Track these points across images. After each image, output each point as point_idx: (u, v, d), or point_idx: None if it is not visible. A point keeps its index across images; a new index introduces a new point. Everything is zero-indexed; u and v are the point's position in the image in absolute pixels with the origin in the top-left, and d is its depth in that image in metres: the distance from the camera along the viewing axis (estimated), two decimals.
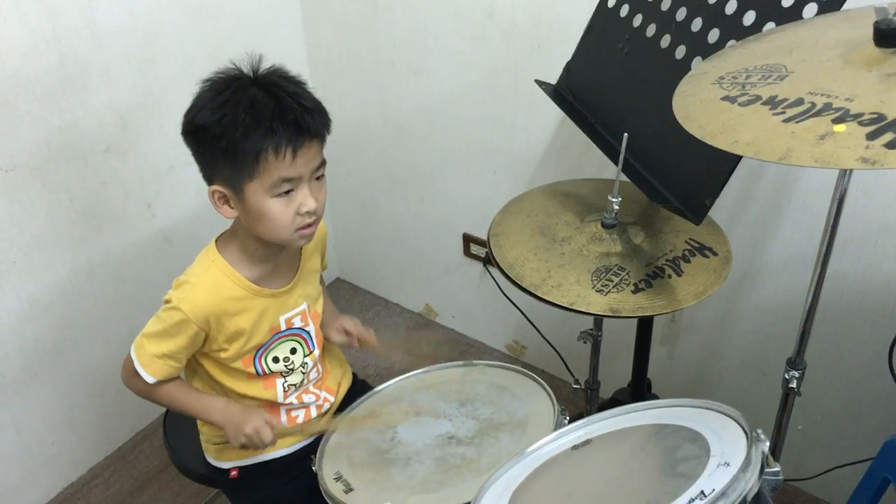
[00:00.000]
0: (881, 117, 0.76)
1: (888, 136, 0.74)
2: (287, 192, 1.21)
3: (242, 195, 1.21)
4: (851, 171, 1.05)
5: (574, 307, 1.25)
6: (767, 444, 0.95)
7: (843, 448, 1.79)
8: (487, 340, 2.44)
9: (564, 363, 2.12)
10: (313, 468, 1.32)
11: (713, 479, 0.90)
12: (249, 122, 1.16)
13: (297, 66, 1.27)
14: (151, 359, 1.28)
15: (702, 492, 0.88)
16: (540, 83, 1.64)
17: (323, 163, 1.26)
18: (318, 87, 1.29)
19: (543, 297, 1.28)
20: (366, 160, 2.39)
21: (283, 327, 1.38)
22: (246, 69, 1.22)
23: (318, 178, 1.26)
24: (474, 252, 2.29)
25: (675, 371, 2.02)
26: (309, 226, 1.26)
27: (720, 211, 1.69)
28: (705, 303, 1.87)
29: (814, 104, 0.82)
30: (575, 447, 1.12)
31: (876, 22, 0.87)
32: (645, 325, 1.64)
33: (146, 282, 2.05)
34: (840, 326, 1.67)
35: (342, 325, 1.50)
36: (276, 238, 1.25)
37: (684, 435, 1.02)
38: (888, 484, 1.52)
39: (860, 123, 0.76)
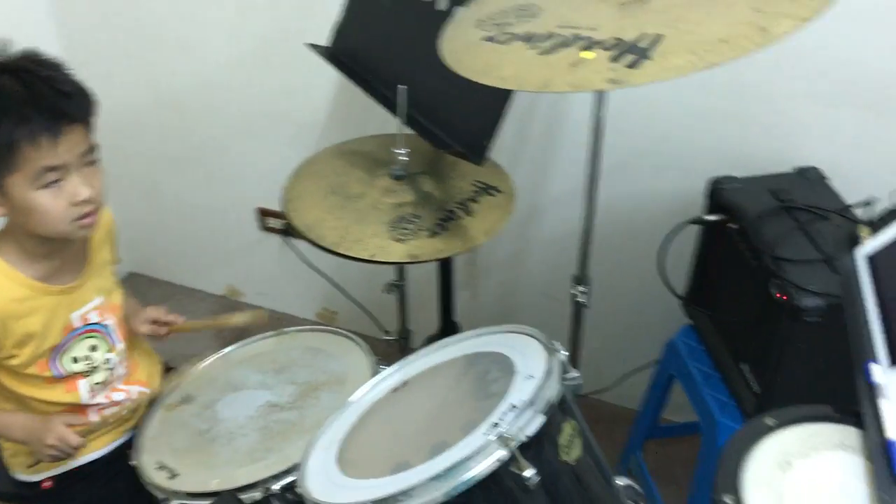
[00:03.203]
0: (620, 42, 0.85)
1: (629, 58, 0.82)
2: (55, 182, 1.15)
3: (4, 190, 1.14)
4: (604, 95, 1.16)
5: (375, 259, 1.29)
6: (565, 353, 1.04)
7: (635, 356, 1.96)
8: (297, 312, 2.44)
9: (375, 320, 2.17)
10: (131, 463, 1.27)
11: (521, 391, 0.98)
12: None
13: (47, 51, 1.19)
14: None
15: (512, 405, 0.95)
16: (312, 46, 1.65)
17: (92, 148, 1.20)
18: (78, 72, 1.23)
19: (345, 253, 1.31)
20: (143, 143, 2.27)
21: (78, 324, 1.31)
22: None
23: (89, 164, 1.20)
24: (271, 225, 2.26)
25: (480, 311, 2.12)
26: (88, 215, 1.20)
27: (500, 153, 1.77)
28: (499, 242, 2.00)
29: (564, 36, 0.90)
30: (394, 390, 1.17)
31: None
32: (446, 270, 1.71)
33: None
34: (619, 245, 1.82)
35: (148, 316, 1.45)
36: (54, 232, 1.19)
37: (492, 359, 1.10)
38: (673, 379, 1.71)
39: (604, 49, 0.85)
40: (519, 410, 0.92)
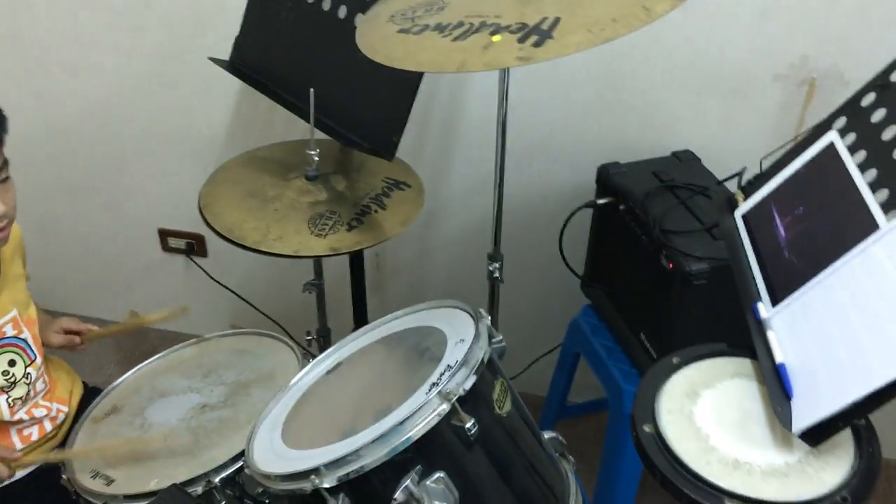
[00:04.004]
0: (524, 25, 0.96)
1: (533, 38, 0.93)
2: None
3: None
4: (506, 87, 1.26)
5: (299, 254, 1.35)
6: (489, 319, 1.12)
7: (539, 343, 2.07)
8: (204, 331, 2.40)
9: (286, 331, 2.19)
10: (64, 476, 1.26)
11: (454, 354, 1.05)
12: None
13: None
14: None
15: (448, 366, 1.03)
16: (215, 60, 1.68)
17: (5, 163, 1.20)
18: None
19: (268, 250, 1.36)
20: (34, 172, 2.21)
21: None
22: None
23: (2, 181, 1.20)
24: (174, 245, 2.25)
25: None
26: (1, 229, 1.20)
27: (402, 155, 1.87)
28: (404, 245, 2.08)
29: (472, 24, 1.00)
30: (329, 372, 1.22)
31: None
32: (357, 273, 1.77)
33: None
34: (519, 235, 1.92)
35: (60, 326, 1.44)
36: None
37: (422, 332, 1.18)
38: (579, 358, 1.83)
39: (510, 32, 0.95)
40: (454, 370, 1.00)
